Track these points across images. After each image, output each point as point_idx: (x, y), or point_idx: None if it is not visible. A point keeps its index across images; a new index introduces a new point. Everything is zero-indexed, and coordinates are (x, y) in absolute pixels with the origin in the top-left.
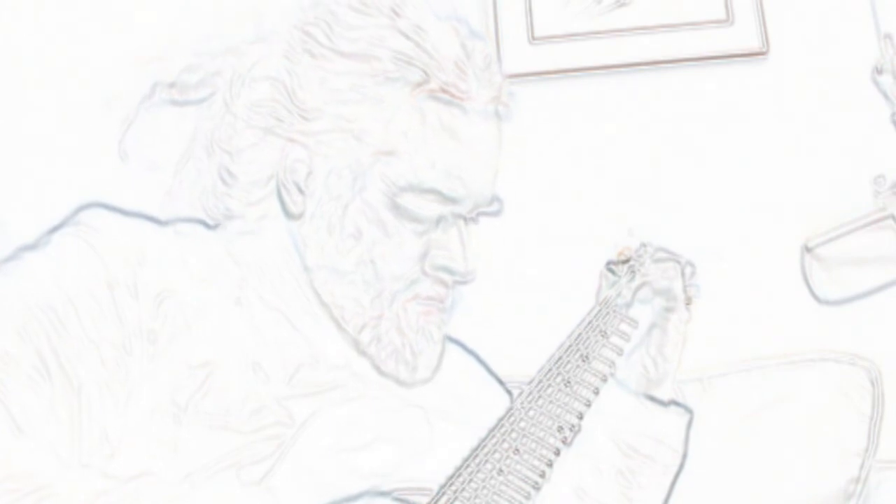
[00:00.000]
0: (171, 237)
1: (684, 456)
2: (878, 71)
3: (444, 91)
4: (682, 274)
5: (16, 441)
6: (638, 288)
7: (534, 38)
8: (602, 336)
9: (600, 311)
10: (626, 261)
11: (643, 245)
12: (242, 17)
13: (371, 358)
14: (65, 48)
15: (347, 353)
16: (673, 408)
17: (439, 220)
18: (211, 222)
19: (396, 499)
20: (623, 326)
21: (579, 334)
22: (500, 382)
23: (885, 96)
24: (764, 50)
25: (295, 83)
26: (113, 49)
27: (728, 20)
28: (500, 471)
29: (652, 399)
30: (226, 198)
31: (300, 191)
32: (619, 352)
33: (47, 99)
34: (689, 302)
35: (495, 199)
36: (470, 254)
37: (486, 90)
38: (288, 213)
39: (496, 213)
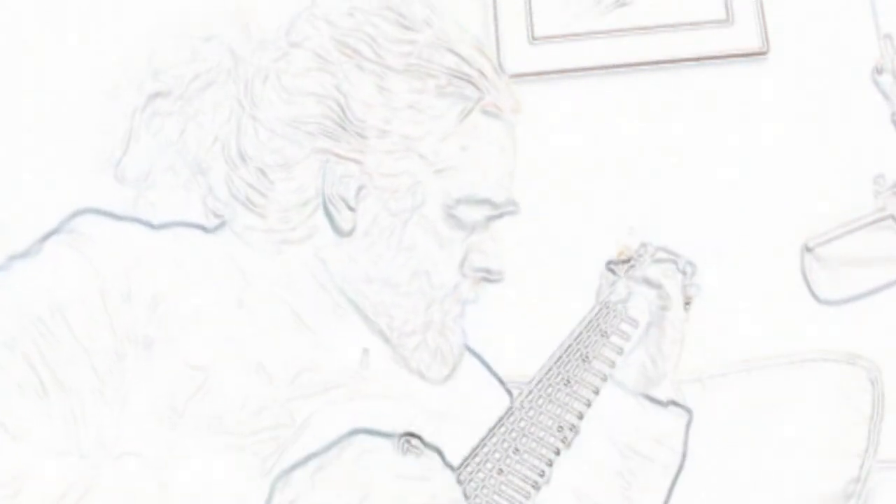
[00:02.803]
0: (167, 241)
1: (683, 456)
2: (878, 71)
3: (491, 105)
4: (683, 273)
5: (12, 445)
6: (636, 286)
7: (534, 38)
8: (602, 336)
9: (600, 310)
10: (627, 260)
11: (643, 245)
12: (233, 18)
13: (406, 360)
14: (60, 50)
15: (372, 354)
16: (672, 408)
17: (475, 225)
18: (210, 226)
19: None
20: (623, 326)
21: (579, 334)
22: (501, 382)
23: (885, 96)
24: (764, 50)
25: (348, 101)
26: (108, 51)
27: (728, 20)
28: (500, 470)
29: (651, 399)
30: (250, 215)
31: (349, 208)
32: (620, 351)
33: (42, 101)
34: (688, 301)
35: (511, 200)
36: (501, 253)
37: (510, 101)
38: (338, 231)
39: (513, 213)
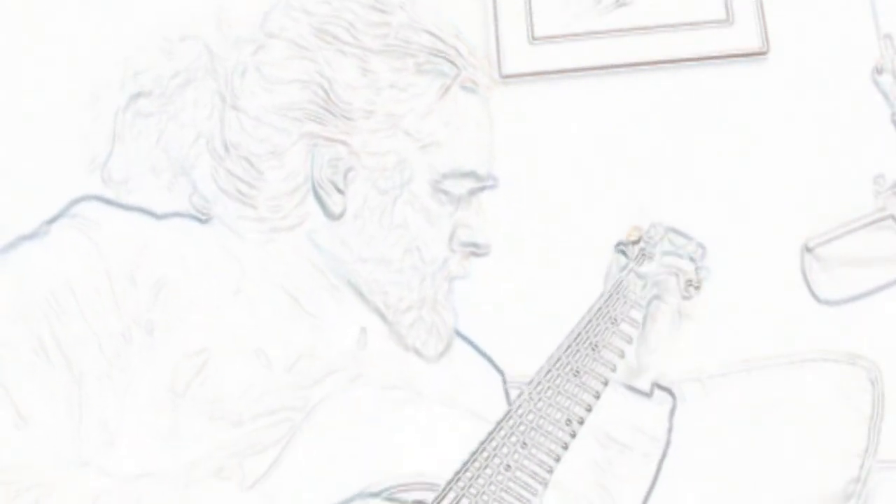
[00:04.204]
0: (167, 229)
1: (667, 444)
2: (878, 71)
3: (468, 80)
4: (691, 259)
5: (16, 432)
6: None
7: (534, 38)
8: (612, 323)
9: (610, 297)
10: (637, 241)
11: (653, 225)
12: (209, 17)
13: (403, 337)
14: (41, 52)
15: (369, 333)
16: (656, 395)
17: (460, 199)
18: (203, 218)
19: (388, 499)
20: (633, 313)
21: (589, 321)
22: (503, 379)
23: (885, 96)
24: (764, 50)
25: (332, 85)
26: (88, 54)
27: (728, 20)
28: (508, 466)
29: (632, 388)
30: (240, 206)
31: (339, 190)
32: (629, 340)
33: (24, 105)
34: (698, 285)
35: (491, 174)
36: (486, 227)
37: (485, 77)
38: (328, 214)
39: (493, 188)
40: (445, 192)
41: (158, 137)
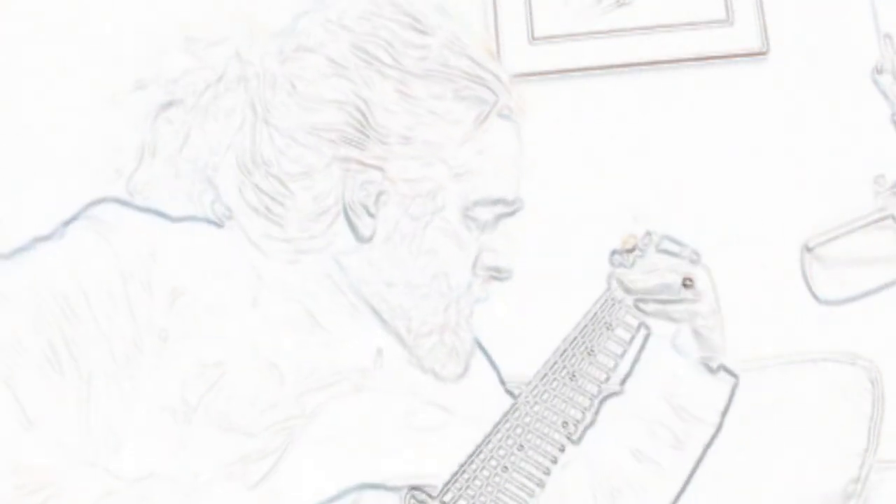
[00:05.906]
0: (184, 234)
1: (723, 416)
2: (878, 71)
3: (505, 107)
4: (691, 261)
5: (24, 434)
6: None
7: (534, 38)
8: (607, 329)
9: (605, 303)
10: (632, 250)
11: (648, 233)
12: (236, 18)
13: (421, 359)
14: (69, 43)
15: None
16: (720, 374)
17: (486, 224)
18: (219, 223)
19: (385, 488)
20: (628, 318)
21: (584, 327)
22: (502, 381)
23: (885, 96)
24: (764, 50)
25: (370, 107)
26: (111, 55)
27: (728, 20)
28: (505, 468)
29: (704, 365)
30: (267, 224)
31: (369, 214)
32: (625, 345)
33: (45, 109)
34: (689, 286)
35: (519, 197)
36: (510, 251)
37: (517, 102)
38: (358, 237)
39: (519, 209)
40: (473, 218)
41: (184, 144)
